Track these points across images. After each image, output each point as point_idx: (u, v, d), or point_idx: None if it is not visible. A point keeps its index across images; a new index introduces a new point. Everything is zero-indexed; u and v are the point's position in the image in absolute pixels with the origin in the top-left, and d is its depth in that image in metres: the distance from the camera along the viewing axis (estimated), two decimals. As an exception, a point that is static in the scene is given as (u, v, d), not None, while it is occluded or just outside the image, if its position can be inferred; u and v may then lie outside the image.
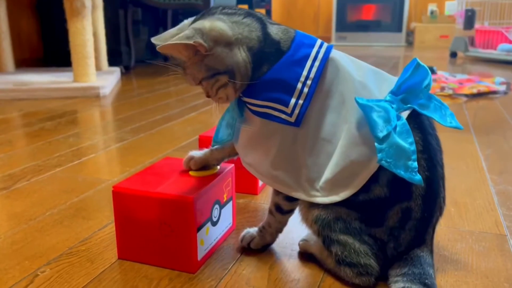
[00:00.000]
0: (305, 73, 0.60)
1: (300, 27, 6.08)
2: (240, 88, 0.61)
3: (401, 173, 0.55)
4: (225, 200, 0.73)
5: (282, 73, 0.60)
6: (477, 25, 3.70)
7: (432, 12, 5.29)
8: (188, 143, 1.31)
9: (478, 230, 0.78)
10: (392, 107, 0.58)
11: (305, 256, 0.69)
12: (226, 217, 0.74)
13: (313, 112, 0.60)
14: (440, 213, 0.62)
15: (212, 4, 2.75)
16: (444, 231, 0.77)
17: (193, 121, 1.59)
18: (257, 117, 0.62)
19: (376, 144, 0.56)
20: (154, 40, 0.62)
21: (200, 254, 0.66)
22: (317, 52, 0.61)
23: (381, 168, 0.57)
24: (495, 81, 2.30)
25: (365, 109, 0.57)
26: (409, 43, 5.39)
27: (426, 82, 0.60)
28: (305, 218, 0.64)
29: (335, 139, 0.60)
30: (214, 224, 0.70)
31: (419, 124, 0.60)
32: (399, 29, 5.29)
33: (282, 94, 0.60)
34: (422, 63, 0.60)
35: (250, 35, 0.60)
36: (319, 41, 0.63)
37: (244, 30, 0.60)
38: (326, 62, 0.61)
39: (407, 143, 0.56)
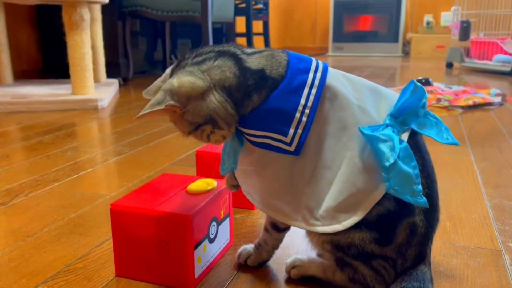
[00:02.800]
0: (302, 102, 0.59)
1: (298, 38, 6.12)
2: (228, 126, 0.61)
3: (408, 198, 0.56)
4: (222, 216, 0.73)
5: (279, 103, 0.59)
6: (472, 36, 3.74)
7: (428, 23, 5.34)
8: (186, 157, 1.32)
9: (474, 245, 0.78)
10: (393, 131, 0.58)
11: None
12: (223, 234, 0.74)
13: (311, 139, 0.60)
14: (437, 226, 0.64)
15: (210, 16, 2.77)
16: (439, 247, 0.78)
17: (191, 134, 1.59)
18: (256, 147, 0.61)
19: (383, 174, 0.56)
20: (144, 94, 0.63)
21: (197, 272, 0.66)
22: (313, 78, 0.60)
23: None
24: (490, 92, 2.31)
25: (371, 140, 0.57)
26: (406, 53, 5.43)
27: (423, 101, 0.61)
28: (314, 241, 0.64)
29: (335, 166, 0.60)
30: (212, 241, 0.70)
31: (416, 143, 0.61)
32: (395, 39, 5.34)
33: (281, 124, 0.59)
34: (419, 84, 0.61)
35: (223, 76, 0.59)
36: (314, 64, 0.62)
37: (216, 73, 0.58)
38: (323, 88, 0.60)
39: (411, 167, 0.57)
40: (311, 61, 0.62)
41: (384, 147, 0.56)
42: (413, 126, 0.60)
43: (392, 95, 0.63)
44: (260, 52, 0.62)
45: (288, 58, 0.61)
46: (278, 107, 0.59)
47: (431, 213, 0.61)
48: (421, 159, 0.60)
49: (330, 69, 0.63)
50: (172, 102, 0.57)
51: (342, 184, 0.59)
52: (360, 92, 0.62)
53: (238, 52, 0.61)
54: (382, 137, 0.57)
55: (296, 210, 0.62)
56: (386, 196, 0.58)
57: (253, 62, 0.60)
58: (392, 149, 0.56)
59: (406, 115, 0.60)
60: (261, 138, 0.60)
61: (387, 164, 0.56)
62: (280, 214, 0.63)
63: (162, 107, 0.56)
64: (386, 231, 0.59)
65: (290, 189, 0.61)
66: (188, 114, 0.59)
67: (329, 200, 0.59)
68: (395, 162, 0.56)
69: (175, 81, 0.58)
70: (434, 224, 0.62)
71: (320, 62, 0.63)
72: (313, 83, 0.60)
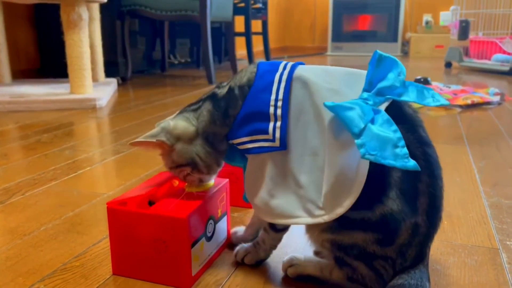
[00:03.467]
0: (273, 96, 0.62)
1: (297, 38, 6.12)
2: (208, 169, 0.67)
3: (392, 162, 0.52)
4: (219, 215, 0.73)
5: (252, 104, 0.63)
6: (471, 36, 3.74)
7: (427, 23, 5.34)
8: (184, 156, 1.32)
9: (471, 243, 0.78)
10: (368, 103, 0.57)
11: (299, 271, 0.68)
12: (220, 232, 0.74)
13: (294, 131, 0.61)
14: (439, 226, 0.63)
15: (208, 15, 2.77)
16: (437, 245, 0.78)
17: (189, 133, 1.59)
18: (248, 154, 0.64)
19: (355, 140, 0.53)
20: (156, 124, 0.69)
21: (194, 270, 0.66)
22: (281, 75, 0.63)
23: (388, 181, 0.57)
24: (489, 91, 2.32)
25: (336, 110, 0.55)
26: (405, 53, 5.43)
27: (397, 70, 0.60)
28: (314, 238, 0.63)
29: (321, 152, 0.60)
30: (209, 239, 0.70)
31: (418, 138, 0.59)
32: (394, 39, 5.33)
33: (259, 123, 0.62)
34: (385, 54, 0.60)
35: (202, 117, 0.66)
36: (282, 64, 0.65)
37: (200, 118, 0.66)
38: (291, 80, 0.62)
39: (391, 131, 0.54)
40: (279, 63, 0.66)
41: (350, 114, 0.54)
42: (393, 96, 0.59)
43: None
44: (232, 78, 0.68)
45: (257, 66, 0.66)
46: (251, 109, 0.63)
47: (434, 213, 0.59)
48: (423, 154, 0.58)
49: (304, 66, 0.65)
50: (163, 139, 0.65)
51: (328, 168, 0.58)
52: (334, 77, 0.63)
53: (216, 89, 0.68)
54: (347, 105, 0.55)
55: (299, 206, 0.61)
56: (390, 196, 0.56)
57: (224, 88, 0.66)
58: (361, 115, 0.55)
59: (380, 86, 0.59)
60: (249, 143, 0.63)
61: (356, 130, 0.53)
62: (282, 217, 0.62)
63: (154, 140, 0.64)
64: (389, 232, 0.58)
65: (287, 185, 0.62)
66: (174, 154, 0.66)
67: (324, 187, 0.59)
68: (365, 127, 0.54)
69: (172, 122, 0.66)
70: (436, 224, 0.60)
71: (290, 63, 0.66)
72: (281, 78, 0.63)
